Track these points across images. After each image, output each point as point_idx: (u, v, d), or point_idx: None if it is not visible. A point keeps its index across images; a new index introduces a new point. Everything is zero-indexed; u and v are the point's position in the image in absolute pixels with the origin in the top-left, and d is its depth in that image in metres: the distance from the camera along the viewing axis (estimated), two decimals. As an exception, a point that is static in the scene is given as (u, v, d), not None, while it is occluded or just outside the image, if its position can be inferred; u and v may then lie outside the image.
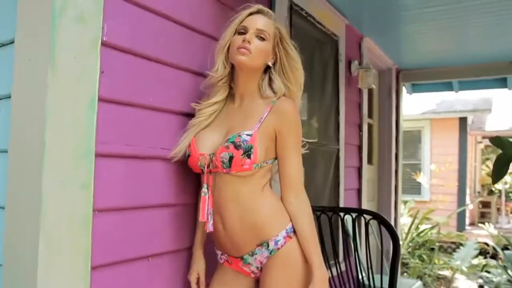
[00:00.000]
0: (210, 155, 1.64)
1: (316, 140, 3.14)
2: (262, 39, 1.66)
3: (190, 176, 1.83)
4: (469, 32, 4.10)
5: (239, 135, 1.59)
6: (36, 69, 1.30)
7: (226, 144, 1.59)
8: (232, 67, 1.74)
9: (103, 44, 1.46)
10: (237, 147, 1.57)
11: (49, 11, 1.28)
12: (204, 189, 1.65)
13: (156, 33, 1.70)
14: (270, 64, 1.71)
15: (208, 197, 1.65)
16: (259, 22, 1.67)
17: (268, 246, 1.62)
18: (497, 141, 1.45)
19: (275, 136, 1.65)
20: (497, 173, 1.43)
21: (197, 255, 1.81)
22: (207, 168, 1.64)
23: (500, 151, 1.43)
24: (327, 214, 2.76)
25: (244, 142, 1.57)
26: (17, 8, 1.37)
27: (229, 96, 1.79)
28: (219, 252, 1.77)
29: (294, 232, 1.66)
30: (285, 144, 1.65)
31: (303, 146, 1.75)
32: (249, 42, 1.63)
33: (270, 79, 1.74)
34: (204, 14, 1.95)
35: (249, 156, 1.57)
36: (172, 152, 1.70)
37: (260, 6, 1.72)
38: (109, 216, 1.52)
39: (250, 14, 1.70)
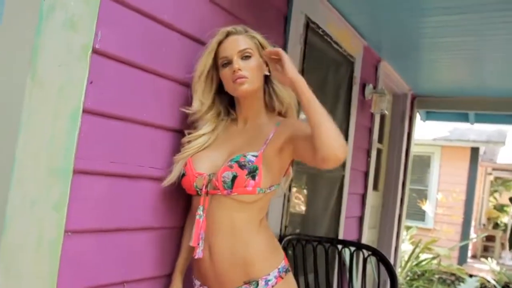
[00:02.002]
0: (209, 175, 1.52)
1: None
2: (248, 57, 1.57)
3: (178, 198, 1.71)
4: (488, 65, 3.99)
5: (244, 155, 1.49)
6: (14, 76, 1.18)
7: (229, 163, 1.49)
8: (220, 95, 1.66)
9: (95, 52, 1.34)
10: (241, 166, 1.47)
11: (35, 13, 1.16)
12: (200, 212, 1.52)
13: (155, 43, 1.58)
14: (267, 73, 1.62)
15: (202, 221, 1.52)
16: (237, 45, 1.57)
17: (257, 285, 1.50)
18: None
19: (284, 147, 1.52)
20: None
21: (176, 284, 1.68)
22: (205, 188, 1.52)
23: None
24: (324, 245, 2.63)
25: (250, 163, 1.47)
26: (4, 6, 1.25)
27: (230, 118, 1.70)
28: (197, 283, 1.63)
29: (286, 271, 1.56)
30: (300, 127, 1.53)
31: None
32: (239, 69, 1.54)
33: (271, 89, 1.66)
34: (209, 24, 1.83)
35: (253, 177, 1.46)
36: (165, 181, 1.59)
37: (227, 28, 1.62)
38: (82, 238, 1.40)
39: (221, 41, 1.60)
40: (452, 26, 3.07)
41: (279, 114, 1.68)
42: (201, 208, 1.53)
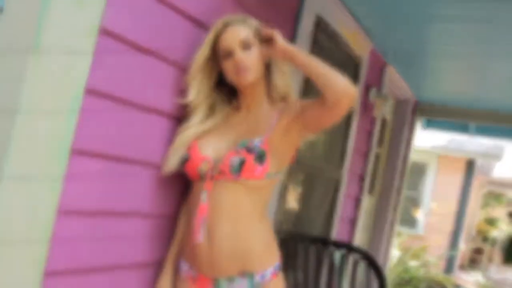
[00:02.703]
0: (214, 160, 1.52)
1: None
2: (249, 47, 1.56)
3: (175, 186, 1.70)
4: (492, 78, 3.97)
5: (251, 141, 1.50)
6: (18, 52, 1.15)
7: (236, 148, 1.49)
8: (218, 85, 1.65)
9: (102, 31, 1.32)
10: (249, 151, 1.47)
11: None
12: (203, 196, 1.51)
13: (165, 28, 1.55)
14: (269, 61, 1.63)
15: (205, 206, 1.51)
16: (237, 35, 1.56)
17: (252, 278, 1.49)
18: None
19: (290, 128, 1.54)
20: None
21: (167, 271, 1.67)
22: (211, 173, 1.51)
23: None
24: (315, 245, 2.62)
25: (257, 147, 1.48)
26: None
27: (231, 107, 1.69)
28: (185, 266, 1.61)
29: (280, 269, 1.57)
30: (302, 102, 1.60)
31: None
32: (242, 60, 1.53)
33: (271, 77, 1.66)
34: (219, 13, 1.80)
35: (261, 162, 1.47)
36: (166, 167, 1.57)
37: (225, 20, 1.60)
38: (76, 218, 1.38)
39: (220, 32, 1.58)
40: (460, 35, 3.05)
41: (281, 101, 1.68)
42: (205, 192, 1.52)
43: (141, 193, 1.59)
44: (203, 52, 1.59)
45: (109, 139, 1.43)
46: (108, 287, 1.53)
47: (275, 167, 1.53)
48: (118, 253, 1.55)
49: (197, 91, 1.60)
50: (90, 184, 1.39)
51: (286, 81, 1.67)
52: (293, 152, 1.63)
